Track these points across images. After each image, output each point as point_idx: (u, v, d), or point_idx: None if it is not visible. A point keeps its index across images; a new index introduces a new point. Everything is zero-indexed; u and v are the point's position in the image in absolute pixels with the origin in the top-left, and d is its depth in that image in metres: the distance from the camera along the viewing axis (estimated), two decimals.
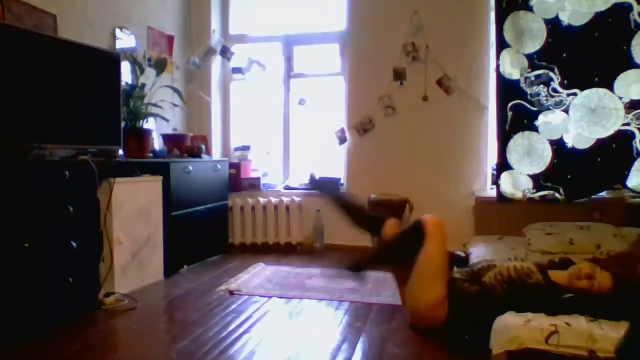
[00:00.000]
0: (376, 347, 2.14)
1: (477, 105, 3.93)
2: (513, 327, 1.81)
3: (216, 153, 4.56)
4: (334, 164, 4.42)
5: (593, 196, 3.44)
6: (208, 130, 4.46)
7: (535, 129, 3.47)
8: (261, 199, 4.25)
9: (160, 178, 3.20)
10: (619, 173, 3.33)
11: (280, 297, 2.85)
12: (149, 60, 3.65)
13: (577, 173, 3.39)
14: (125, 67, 3.27)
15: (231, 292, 2.93)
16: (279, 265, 3.65)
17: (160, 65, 3.53)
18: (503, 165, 3.56)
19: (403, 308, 2.43)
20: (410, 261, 2.21)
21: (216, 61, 4.53)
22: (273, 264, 3.70)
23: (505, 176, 3.57)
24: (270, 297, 2.86)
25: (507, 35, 3.46)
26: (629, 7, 3.20)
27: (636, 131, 3.27)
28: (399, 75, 4.05)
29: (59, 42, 2.62)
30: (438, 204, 4.00)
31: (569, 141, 3.41)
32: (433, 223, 2.23)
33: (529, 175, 3.51)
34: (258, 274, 3.41)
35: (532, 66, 3.43)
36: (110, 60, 2.85)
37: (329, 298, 2.81)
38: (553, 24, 3.36)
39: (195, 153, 3.74)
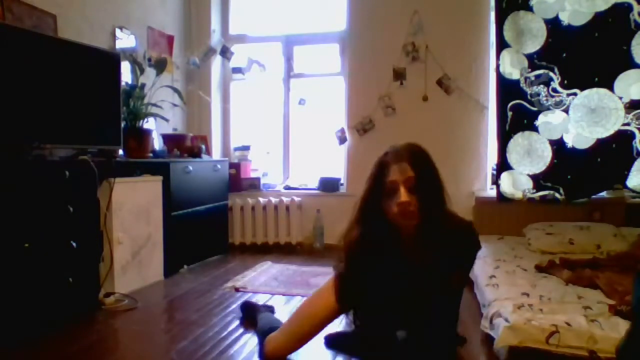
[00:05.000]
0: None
1: (477, 105, 3.93)
2: (514, 324, 1.82)
3: (216, 153, 4.55)
4: (333, 164, 4.43)
5: (593, 196, 3.45)
6: (208, 130, 4.46)
7: (535, 129, 3.47)
8: (261, 199, 4.25)
9: (160, 178, 3.20)
10: (619, 173, 3.33)
11: (284, 295, 2.87)
12: (149, 60, 3.65)
13: (577, 173, 3.39)
14: (125, 67, 3.27)
15: (237, 289, 2.96)
16: (285, 264, 3.66)
17: (160, 65, 3.53)
18: (503, 165, 3.56)
19: None
20: None
21: (216, 61, 4.53)
22: (280, 262, 3.72)
23: (505, 176, 3.57)
24: (273, 294, 2.89)
25: (507, 35, 3.46)
26: (629, 7, 3.20)
27: (636, 131, 3.27)
28: (399, 75, 4.05)
29: (59, 42, 2.62)
30: None
31: (569, 141, 3.41)
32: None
33: (529, 175, 3.51)
34: (265, 271, 3.43)
35: (532, 66, 3.43)
36: (110, 60, 2.84)
37: None
38: (553, 24, 3.36)
39: (195, 153, 3.74)
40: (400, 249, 1.59)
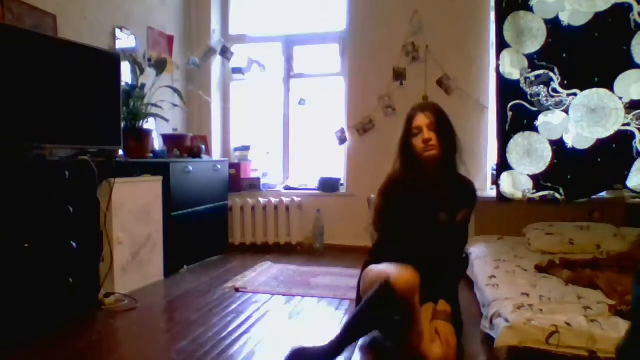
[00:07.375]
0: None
1: (477, 105, 3.93)
2: (514, 324, 1.82)
3: (216, 153, 4.55)
4: (333, 164, 4.43)
5: (593, 196, 3.44)
6: (208, 130, 4.46)
7: (535, 129, 3.47)
8: (261, 199, 4.25)
9: (160, 178, 3.20)
10: (619, 173, 3.33)
11: (284, 295, 2.87)
12: (149, 60, 3.65)
13: (577, 173, 3.39)
14: (125, 67, 3.27)
15: (237, 289, 2.97)
16: (285, 264, 3.67)
17: (160, 65, 3.53)
18: (503, 165, 3.56)
19: None
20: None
21: (216, 61, 4.53)
22: (280, 262, 3.73)
23: (505, 176, 3.57)
24: (273, 294, 2.89)
25: (507, 35, 3.46)
26: (629, 7, 3.20)
27: (636, 131, 3.27)
28: (399, 75, 4.05)
29: (59, 42, 2.62)
30: None
31: (569, 141, 3.41)
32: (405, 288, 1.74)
33: (529, 175, 3.51)
34: (265, 271, 3.44)
35: (532, 66, 3.43)
36: (110, 60, 2.84)
37: (332, 296, 2.83)
38: (553, 24, 3.36)
39: (195, 153, 3.74)
40: (425, 180, 2.09)
